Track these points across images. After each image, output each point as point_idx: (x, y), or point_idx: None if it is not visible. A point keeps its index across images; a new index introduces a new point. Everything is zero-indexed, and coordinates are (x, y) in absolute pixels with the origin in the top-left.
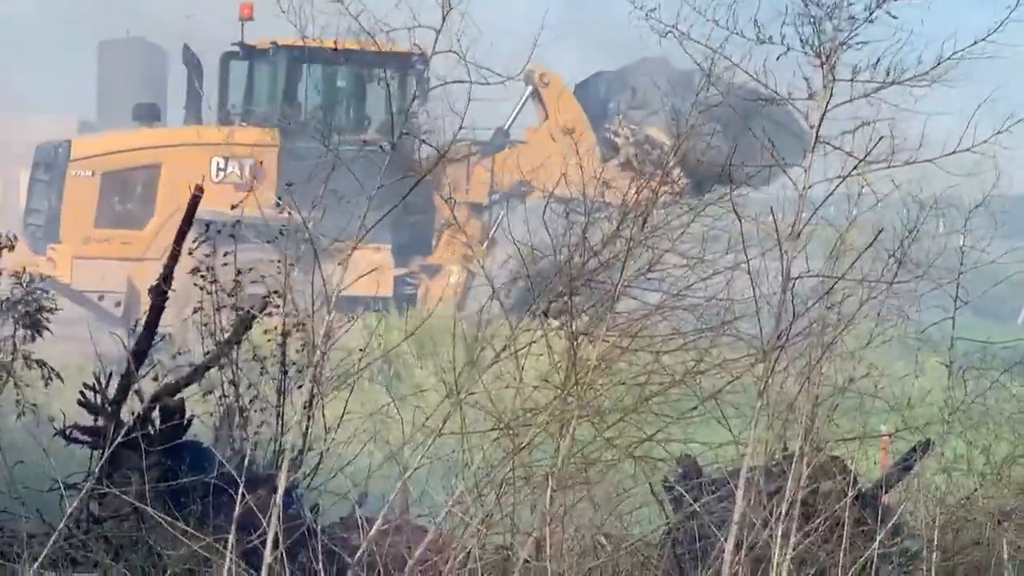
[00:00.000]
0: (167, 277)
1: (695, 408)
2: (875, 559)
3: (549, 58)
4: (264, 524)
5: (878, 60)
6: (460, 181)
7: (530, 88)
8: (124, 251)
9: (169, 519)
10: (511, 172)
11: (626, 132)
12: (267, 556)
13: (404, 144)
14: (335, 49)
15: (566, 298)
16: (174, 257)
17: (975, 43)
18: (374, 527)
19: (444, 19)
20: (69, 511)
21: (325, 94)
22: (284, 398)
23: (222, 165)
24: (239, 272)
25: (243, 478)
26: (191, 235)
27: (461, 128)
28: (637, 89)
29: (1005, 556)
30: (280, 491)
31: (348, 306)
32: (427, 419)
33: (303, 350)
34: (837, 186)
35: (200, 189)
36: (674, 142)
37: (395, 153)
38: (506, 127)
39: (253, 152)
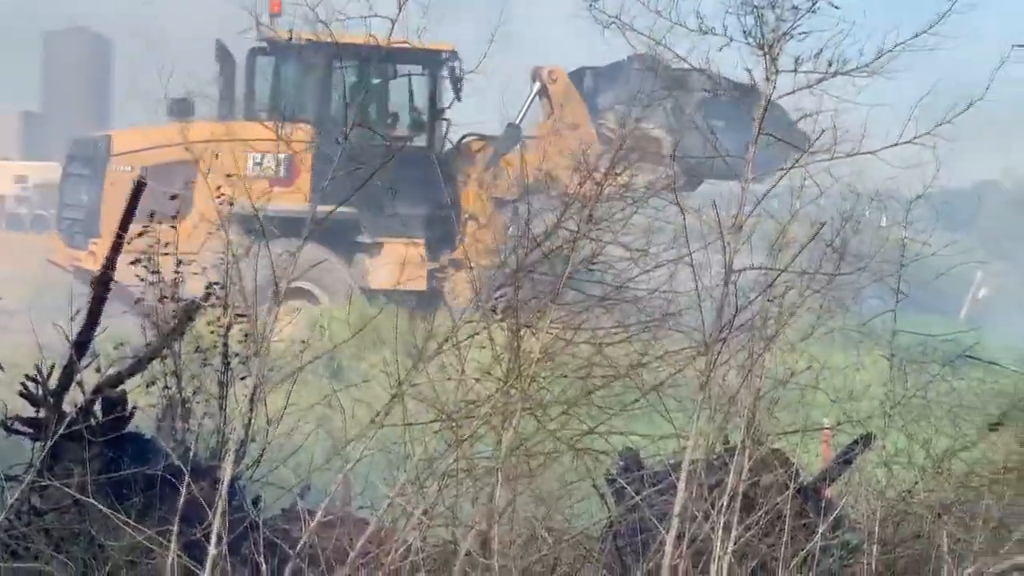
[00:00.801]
0: (109, 267)
1: (637, 401)
2: (816, 552)
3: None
4: (208, 516)
5: (820, 51)
6: (485, 176)
7: (538, 85)
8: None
9: (111, 511)
10: (534, 167)
11: (620, 127)
12: (211, 548)
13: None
14: (368, 46)
15: (510, 291)
16: (116, 247)
17: (916, 35)
18: (315, 519)
19: (400, 9)
20: (10, 503)
21: (357, 91)
22: (227, 389)
23: (258, 160)
24: (179, 263)
25: (184, 470)
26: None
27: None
28: (629, 85)
29: (945, 549)
30: (225, 483)
31: (384, 300)
32: (378, 414)
33: (246, 341)
34: (780, 179)
35: (143, 180)
36: (672, 138)
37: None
38: (517, 122)
39: (288, 148)
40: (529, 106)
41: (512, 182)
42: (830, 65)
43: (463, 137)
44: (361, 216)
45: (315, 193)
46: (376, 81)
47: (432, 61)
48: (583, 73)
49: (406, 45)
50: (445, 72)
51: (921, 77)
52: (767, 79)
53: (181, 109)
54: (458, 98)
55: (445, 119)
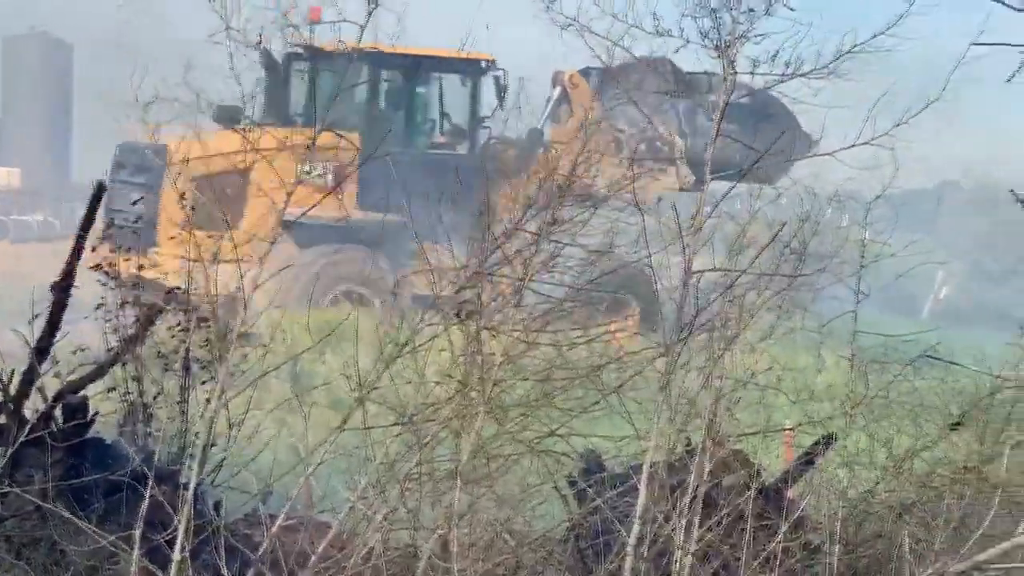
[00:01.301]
0: (69, 272)
1: (597, 403)
2: (777, 553)
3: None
4: (169, 521)
5: (777, 53)
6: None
7: (559, 89)
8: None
9: (72, 517)
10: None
11: (631, 129)
12: (176, 554)
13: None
14: (410, 55)
15: (472, 293)
16: (77, 252)
17: (874, 36)
18: (277, 524)
19: (369, 15)
20: None
21: (402, 98)
22: (188, 394)
23: (308, 168)
24: (141, 267)
25: (148, 475)
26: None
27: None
28: (640, 87)
29: (906, 549)
30: (192, 488)
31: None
32: (344, 421)
33: (207, 346)
34: (739, 180)
35: (103, 184)
36: (684, 139)
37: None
38: (540, 126)
39: (337, 156)
40: (550, 111)
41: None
42: (787, 67)
43: (487, 141)
44: (410, 223)
45: (360, 200)
46: (420, 90)
47: (472, 70)
48: (588, 73)
49: (449, 55)
50: (486, 80)
51: (882, 77)
52: (724, 81)
53: (228, 116)
54: (502, 106)
55: (486, 127)
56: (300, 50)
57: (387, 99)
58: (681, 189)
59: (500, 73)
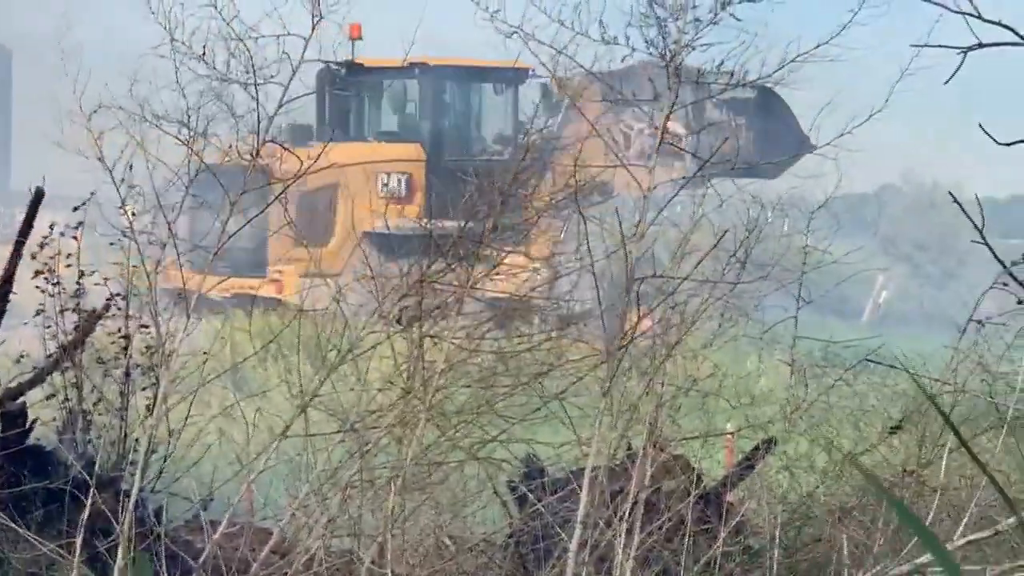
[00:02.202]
0: (8, 278)
1: (539, 409)
2: (718, 557)
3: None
4: (112, 528)
5: (722, 62)
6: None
7: (562, 94)
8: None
9: (12, 524)
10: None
11: (639, 125)
12: (119, 560)
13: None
14: (465, 66)
15: (413, 300)
16: (16, 257)
17: (818, 46)
18: (218, 530)
19: (314, 28)
20: None
21: (463, 109)
22: (128, 401)
23: (385, 181)
24: (82, 274)
25: (88, 482)
26: None
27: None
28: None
29: (845, 552)
30: (134, 495)
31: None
32: (286, 428)
33: (148, 353)
34: (682, 187)
35: (41, 190)
36: (690, 133)
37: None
38: (555, 128)
39: (406, 168)
40: (563, 115)
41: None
42: (732, 76)
43: (520, 137)
44: (475, 230)
45: (428, 209)
46: (475, 100)
47: (514, 78)
48: (595, 76)
49: (493, 64)
50: (528, 88)
51: (823, 88)
52: (669, 89)
53: (301, 135)
54: (547, 113)
55: (527, 130)
56: (360, 65)
57: (441, 110)
58: (684, 182)
59: (545, 80)
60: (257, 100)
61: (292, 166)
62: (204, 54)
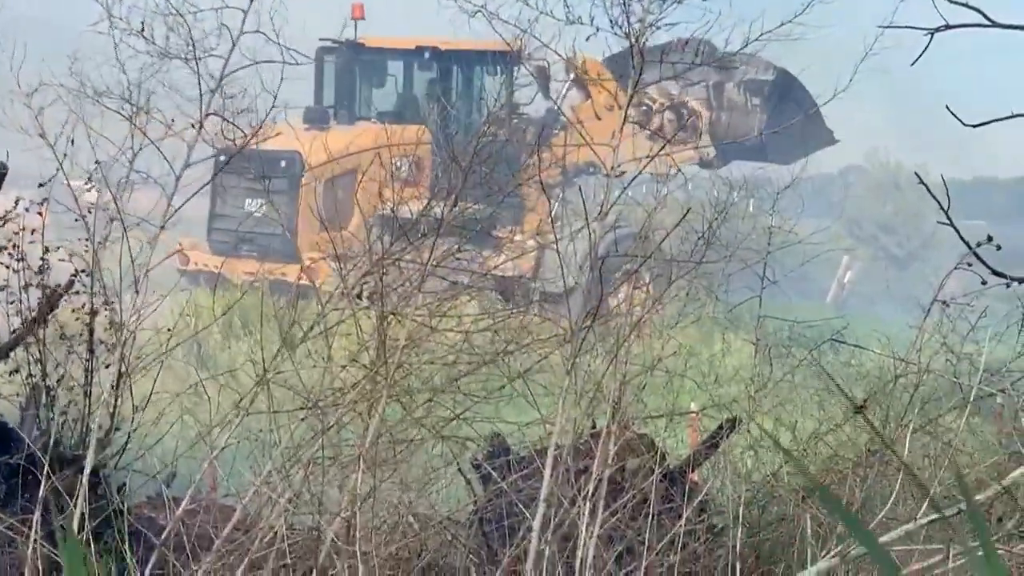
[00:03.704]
0: None
1: (503, 387)
2: (681, 536)
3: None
4: (71, 505)
5: (687, 41)
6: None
7: (572, 73)
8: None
9: None
10: (577, 153)
11: (662, 99)
12: (64, 536)
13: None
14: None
15: (376, 278)
16: None
17: (782, 24)
18: (181, 507)
19: (251, 1)
20: None
21: (467, 92)
22: (91, 377)
23: (399, 164)
24: (46, 250)
25: (49, 458)
26: None
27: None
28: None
29: (808, 532)
30: (87, 471)
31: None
32: (241, 399)
33: (111, 329)
34: (645, 165)
35: (3, 165)
36: (710, 112)
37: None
38: (556, 106)
39: (411, 150)
40: (566, 93)
41: (553, 165)
42: (696, 55)
43: (513, 118)
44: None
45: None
46: (479, 83)
47: (511, 60)
48: (628, 53)
49: (489, 46)
50: (525, 70)
51: (793, 64)
52: (633, 69)
53: (319, 117)
54: (545, 96)
55: (522, 113)
56: (362, 45)
57: (449, 92)
58: (701, 161)
59: (543, 63)
60: (198, 74)
61: (317, 155)
62: (143, 30)
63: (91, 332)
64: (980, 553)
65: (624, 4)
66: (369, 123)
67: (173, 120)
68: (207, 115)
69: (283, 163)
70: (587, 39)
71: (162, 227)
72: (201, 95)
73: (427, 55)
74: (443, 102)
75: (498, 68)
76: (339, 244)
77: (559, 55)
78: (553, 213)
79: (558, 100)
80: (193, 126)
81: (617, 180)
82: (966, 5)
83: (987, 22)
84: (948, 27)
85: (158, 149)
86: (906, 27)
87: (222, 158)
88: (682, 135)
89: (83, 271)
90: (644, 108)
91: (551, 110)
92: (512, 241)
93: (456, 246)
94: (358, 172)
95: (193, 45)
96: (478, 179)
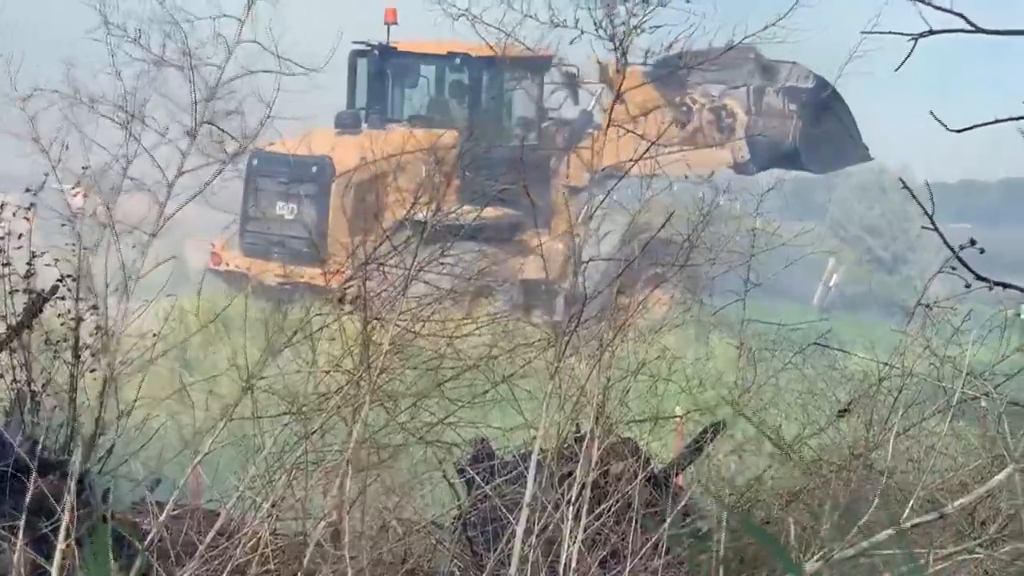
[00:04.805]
0: None
1: (487, 392)
2: (665, 540)
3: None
4: (57, 511)
5: (671, 44)
6: (561, 167)
7: (604, 80)
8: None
9: None
10: (613, 156)
11: (703, 100)
12: (60, 543)
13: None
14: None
15: (359, 282)
16: None
17: (765, 28)
18: (165, 512)
19: (248, 9)
20: None
21: (498, 97)
22: (77, 383)
23: (433, 168)
24: (33, 255)
25: (35, 464)
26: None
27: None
28: (722, 68)
29: (792, 536)
30: (74, 477)
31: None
32: (227, 408)
33: (97, 334)
34: (629, 168)
35: None
36: (748, 117)
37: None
38: (590, 109)
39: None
40: (600, 98)
41: (583, 170)
42: (680, 58)
43: (544, 123)
44: (517, 215)
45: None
46: (508, 88)
47: (540, 66)
48: (680, 56)
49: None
50: (554, 76)
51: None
52: (617, 71)
53: (351, 121)
54: (575, 101)
55: (551, 118)
56: (394, 49)
57: (479, 98)
58: (735, 165)
59: (574, 69)
60: (193, 83)
61: (346, 160)
62: (139, 37)
63: (76, 337)
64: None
65: (608, 7)
66: (399, 127)
67: (167, 128)
68: (201, 123)
69: (314, 168)
70: (571, 42)
71: (154, 234)
72: (195, 103)
73: (458, 60)
74: (474, 108)
75: (529, 75)
76: (367, 248)
77: (600, 63)
78: (580, 217)
79: (592, 103)
80: (188, 134)
81: (599, 185)
82: (949, 11)
83: (970, 27)
84: (932, 32)
85: (151, 157)
86: (889, 32)
87: (255, 162)
88: (720, 137)
89: (69, 276)
90: (685, 108)
91: (583, 112)
92: (538, 245)
93: (440, 250)
94: (390, 176)
95: (189, 54)
96: (507, 183)
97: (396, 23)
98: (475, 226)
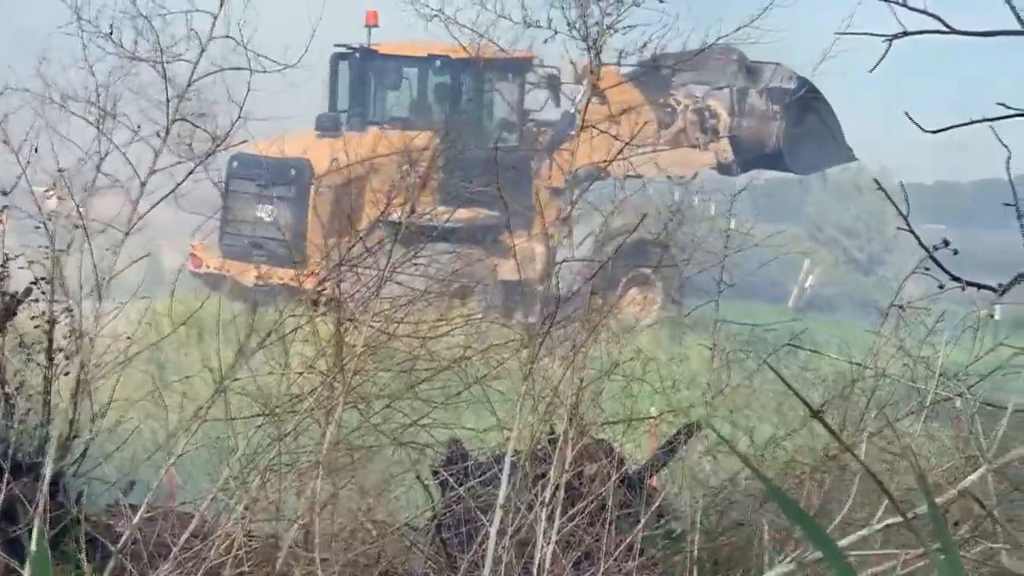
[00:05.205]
0: None
1: (460, 393)
2: (639, 541)
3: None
4: (29, 513)
5: (644, 44)
6: (543, 169)
7: (586, 81)
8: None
9: None
10: (586, 157)
11: (687, 101)
12: (32, 546)
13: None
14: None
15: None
16: None
17: (739, 29)
18: (138, 514)
19: (222, 4)
20: None
21: (477, 100)
22: (50, 385)
23: (409, 170)
24: (7, 258)
25: (8, 466)
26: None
27: (239, 117)
28: (705, 69)
29: (766, 537)
30: (47, 480)
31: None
32: (200, 409)
33: (71, 336)
34: (605, 168)
35: None
36: (731, 118)
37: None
38: (572, 111)
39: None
40: (584, 97)
41: (563, 171)
42: (655, 60)
43: (524, 124)
44: (496, 216)
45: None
46: (488, 91)
47: (520, 68)
48: (665, 57)
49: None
50: (534, 78)
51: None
52: (591, 72)
53: (331, 124)
54: (556, 103)
55: (533, 120)
56: (374, 51)
57: (459, 100)
58: (719, 165)
59: (554, 70)
60: (165, 78)
61: (322, 161)
62: (111, 32)
63: (50, 340)
64: (941, 556)
65: (582, 7)
66: (379, 129)
67: (140, 126)
68: (174, 120)
69: (292, 171)
70: (544, 42)
71: (127, 233)
72: (168, 100)
73: (439, 63)
74: (454, 110)
75: (509, 76)
76: (342, 249)
77: (573, 63)
78: (561, 218)
79: (574, 104)
80: (159, 135)
81: (579, 185)
82: (924, 12)
83: (945, 29)
84: (906, 34)
85: (123, 155)
86: (864, 33)
87: (234, 164)
88: (703, 138)
89: (43, 279)
90: (669, 109)
91: (566, 113)
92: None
93: (412, 252)
94: (368, 179)
95: (161, 50)
96: (485, 184)
97: (377, 26)
98: (451, 227)
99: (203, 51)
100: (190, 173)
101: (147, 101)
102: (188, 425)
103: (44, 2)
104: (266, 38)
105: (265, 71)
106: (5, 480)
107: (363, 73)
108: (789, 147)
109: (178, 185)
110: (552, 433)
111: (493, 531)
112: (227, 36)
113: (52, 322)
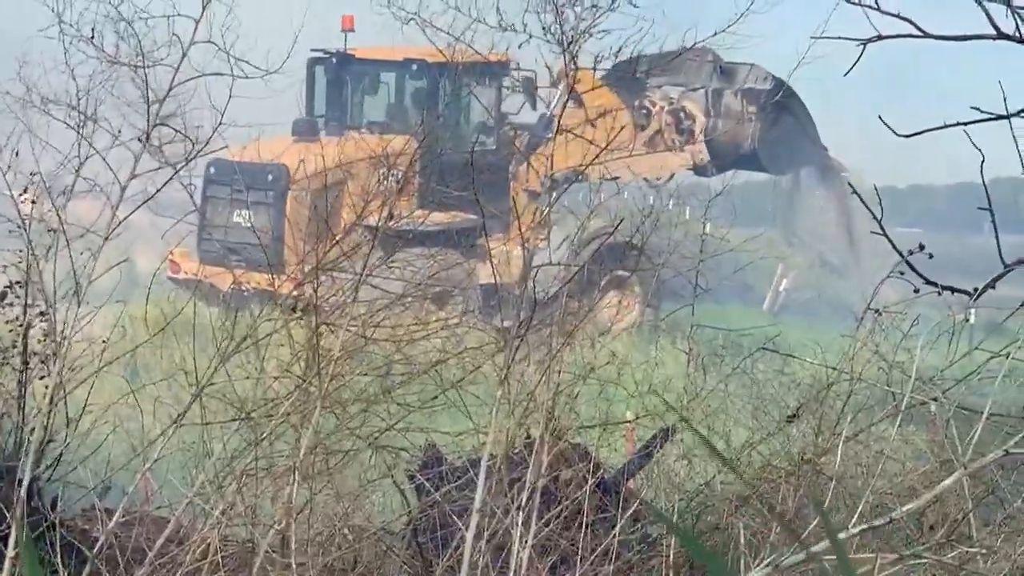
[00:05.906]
0: None
1: (436, 397)
2: (615, 545)
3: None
4: (7, 518)
5: (620, 48)
6: (520, 171)
7: (563, 84)
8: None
9: None
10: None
11: (662, 103)
12: (9, 550)
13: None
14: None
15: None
16: None
17: (715, 34)
18: (114, 519)
19: (204, 9)
20: None
21: (455, 104)
22: (26, 389)
23: (385, 174)
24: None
25: None
26: None
27: (220, 122)
28: (680, 71)
29: (742, 540)
30: (25, 484)
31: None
32: (180, 416)
33: (46, 341)
34: (580, 174)
35: None
36: (707, 119)
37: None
38: (549, 114)
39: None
40: (561, 103)
41: (539, 174)
42: (630, 63)
43: (502, 128)
44: (474, 220)
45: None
46: (466, 94)
47: (497, 72)
48: (640, 59)
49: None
50: (509, 81)
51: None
52: (567, 76)
53: (308, 129)
54: (533, 106)
55: (510, 123)
56: (352, 56)
57: (436, 104)
58: (695, 167)
59: (531, 74)
60: (146, 83)
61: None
62: (93, 36)
63: (25, 344)
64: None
65: (557, 11)
66: (357, 134)
67: (120, 130)
68: (154, 125)
69: (270, 176)
70: (520, 46)
71: (106, 237)
72: (149, 105)
73: (415, 67)
74: (431, 114)
75: (486, 80)
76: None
77: (548, 67)
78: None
79: (551, 107)
80: (140, 140)
81: (556, 189)
82: (898, 16)
83: (919, 33)
84: (880, 38)
85: (104, 159)
86: (838, 38)
87: (212, 170)
88: (680, 139)
89: (18, 283)
90: (644, 111)
91: (543, 116)
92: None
93: (389, 256)
94: (346, 183)
95: (143, 55)
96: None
97: (353, 30)
98: (429, 231)
99: (184, 56)
100: (170, 179)
101: (128, 106)
102: (164, 430)
103: (25, 5)
104: (248, 44)
105: (247, 76)
106: None
107: (340, 78)
108: (764, 148)
109: (158, 190)
110: (528, 437)
111: (469, 535)
112: (209, 41)
113: (27, 326)
